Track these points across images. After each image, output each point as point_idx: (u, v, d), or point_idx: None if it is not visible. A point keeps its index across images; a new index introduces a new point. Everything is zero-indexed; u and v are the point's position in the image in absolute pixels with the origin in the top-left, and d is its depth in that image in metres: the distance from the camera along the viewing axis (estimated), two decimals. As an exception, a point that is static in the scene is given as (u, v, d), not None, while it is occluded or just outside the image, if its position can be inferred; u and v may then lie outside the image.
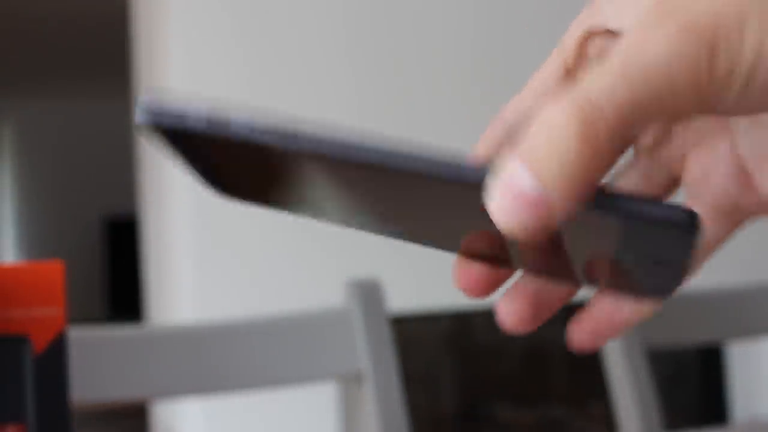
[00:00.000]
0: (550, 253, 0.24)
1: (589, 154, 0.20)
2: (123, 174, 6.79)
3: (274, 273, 1.86)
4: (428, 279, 1.94)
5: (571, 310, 1.87)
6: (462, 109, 1.97)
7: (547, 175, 0.20)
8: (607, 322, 0.26)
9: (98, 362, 0.73)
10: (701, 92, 0.21)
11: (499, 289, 0.29)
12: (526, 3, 2.01)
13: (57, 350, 0.50)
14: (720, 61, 0.21)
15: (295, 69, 1.88)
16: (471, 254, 0.26)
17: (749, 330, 0.98)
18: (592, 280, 0.25)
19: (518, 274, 0.27)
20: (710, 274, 2.04)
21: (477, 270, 0.26)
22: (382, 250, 1.90)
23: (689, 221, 0.20)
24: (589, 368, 2.13)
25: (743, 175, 0.25)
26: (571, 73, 0.27)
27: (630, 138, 0.21)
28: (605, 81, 0.21)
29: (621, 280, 0.25)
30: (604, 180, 0.27)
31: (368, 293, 0.85)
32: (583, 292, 1.50)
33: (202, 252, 1.83)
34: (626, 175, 0.28)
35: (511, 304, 0.26)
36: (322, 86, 1.90)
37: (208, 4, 1.85)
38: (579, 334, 0.27)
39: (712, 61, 0.21)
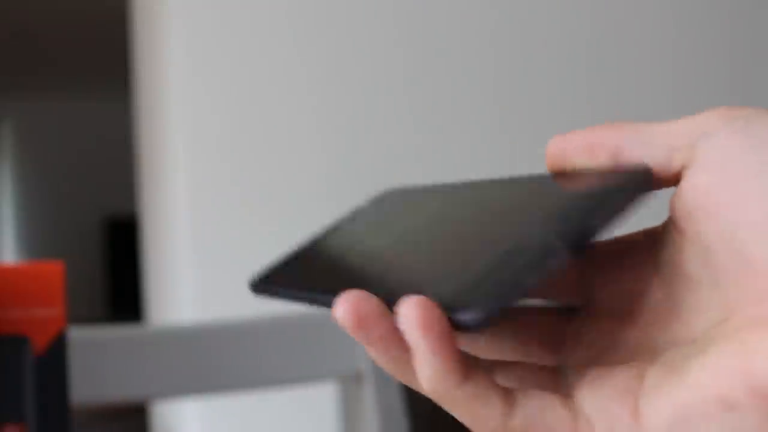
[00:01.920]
0: None
1: None
2: (123, 174, 6.79)
3: (274, 273, 1.86)
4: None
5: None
6: (458, 114, 1.97)
7: None
8: None
9: (98, 362, 0.73)
10: None
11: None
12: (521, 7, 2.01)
13: (57, 350, 0.50)
14: None
15: (296, 70, 1.88)
16: None
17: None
18: None
19: None
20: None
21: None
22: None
23: None
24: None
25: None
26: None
27: None
28: None
29: None
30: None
31: (368, 293, 0.85)
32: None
33: (202, 252, 1.83)
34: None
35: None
36: (323, 87, 1.90)
37: (208, 4, 1.85)
38: None
39: None
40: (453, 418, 2.08)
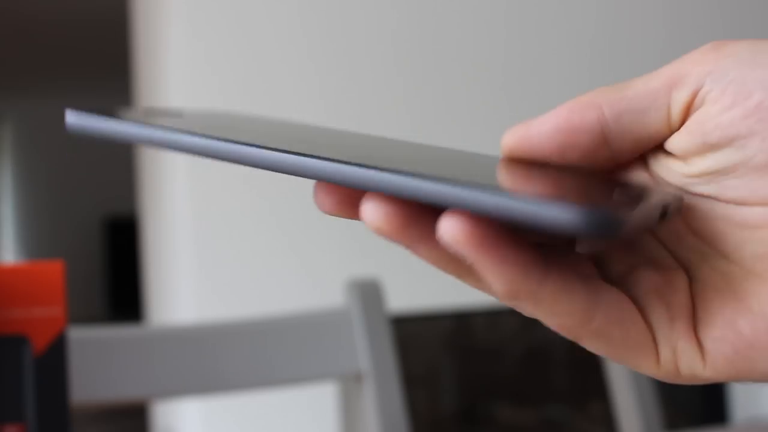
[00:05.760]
0: None
1: None
2: (123, 174, 6.78)
3: (274, 273, 1.86)
4: (428, 279, 1.94)
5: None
6: (457, 112, 1.97)
7: None
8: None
9: (98, 362, 0.73)
10: None
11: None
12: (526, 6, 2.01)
13: (57, 350, 0.50)
14: None
15: (296, 69, 1.88)
16: None
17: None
18: None
19: None
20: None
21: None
22: (382, 250, 1.90)
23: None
24: (589, 368, 2.13)
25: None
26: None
27: None
28: None
29: None
30: None
31: (368, 293, 0.85)
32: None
33: (202, 252, 1.83)
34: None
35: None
36: (326, 87, 1.90)
37: (209, 4, 1.85)
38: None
39: None
40: (453, 419, 2.08)
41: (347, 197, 0.25)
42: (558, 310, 0.24)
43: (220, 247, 1.83)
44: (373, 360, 0.83)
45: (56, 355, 0.50)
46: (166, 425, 2.25)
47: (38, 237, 6.76)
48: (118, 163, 6.79)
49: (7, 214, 6.84)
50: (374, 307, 0.84)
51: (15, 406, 0.50)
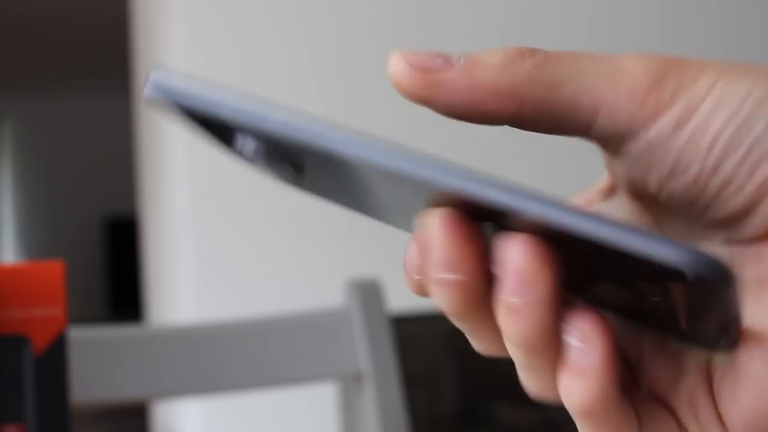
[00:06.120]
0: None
1: None
2: (123, 174, 6.78)
3: (274, 273, 1.85)
4: (428, 279, 1.94)
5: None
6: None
7: None
8: None
9: (98, 362, 0.73)
10: None
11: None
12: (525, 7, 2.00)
13: (57, 350, 0.50)
14: None
15: (298, 68, 1.88)
16: None
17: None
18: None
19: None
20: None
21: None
22: (382, 250, 1.90)
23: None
24: (589, 368, 2.13)
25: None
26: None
27: None
28: None
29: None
30: None
31: (368, 293, 0.85)
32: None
33: (202, 252, 1.82)
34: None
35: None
36: (328, 87, 1.90)
37: (209, 4, 1.85)
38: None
39: None
40: (453, 419, 2.08)
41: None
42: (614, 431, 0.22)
43: (220, 247, 1.83)
44: (373, 360, 0.83)
45: (56, 355, 0.50)
46: (166, 425, 2.25)
47: (38, 237, 6.76)
48: (118, 163, 6.79)
49: (7, 214, 6.84)
50: (374, 307, 0.84)
51: (15, 406, 0.50)
